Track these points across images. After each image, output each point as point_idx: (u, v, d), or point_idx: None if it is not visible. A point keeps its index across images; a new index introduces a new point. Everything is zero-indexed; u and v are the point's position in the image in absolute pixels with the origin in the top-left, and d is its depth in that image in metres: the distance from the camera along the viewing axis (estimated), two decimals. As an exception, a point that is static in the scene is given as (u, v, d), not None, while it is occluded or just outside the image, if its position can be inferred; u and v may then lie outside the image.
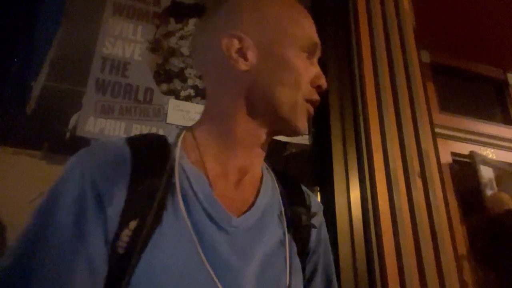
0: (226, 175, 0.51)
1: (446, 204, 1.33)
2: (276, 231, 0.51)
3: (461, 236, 1.79)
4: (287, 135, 0.56)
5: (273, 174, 0.59)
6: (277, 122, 0.53)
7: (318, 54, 0.59)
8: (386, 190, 1.27)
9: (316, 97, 0.55)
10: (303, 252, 0.54)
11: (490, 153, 2.16)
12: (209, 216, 0.46)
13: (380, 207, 1.23)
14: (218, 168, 0.51)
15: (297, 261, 0.51)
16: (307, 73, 0.55)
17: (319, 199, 1.33)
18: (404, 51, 1.54)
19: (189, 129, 0.56)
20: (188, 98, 1.31)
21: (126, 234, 0.42)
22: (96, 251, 0.41)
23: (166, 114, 1.26)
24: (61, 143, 1.12)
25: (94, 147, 0.49)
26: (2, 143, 1.07)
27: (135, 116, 1.22)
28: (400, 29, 1.58)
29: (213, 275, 0.42)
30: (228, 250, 0.44)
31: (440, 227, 1.26)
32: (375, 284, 1.13)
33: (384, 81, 1.45)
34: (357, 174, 1.31)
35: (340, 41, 1.53)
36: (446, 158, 1.94)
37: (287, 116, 0.52)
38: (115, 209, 0.43)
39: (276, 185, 0.57)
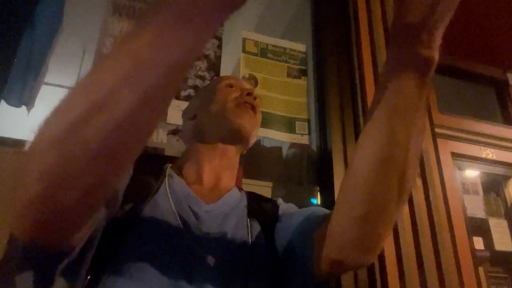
0: (200, 181, 0.69)
1: (446, 204, 1.33)
2: (240, 217, 0.67)
3: (461, 236, 1.79)
4: (238, 140, 0.73)
5: (244, 193, 0.75)
6: (220, 132, 0.73)
7: (239, 85, 0.80)
8: (386, 190, 1.26)
9: (246, 97, 0.74)
10: (269, 228, 0.68)
11: (490, 153, 2.16)
12: (186, 202, 0.63)
13: (380, 207, 1.23)
14: (194, 175, 0.71)
15: (259, 232, 0.66)
16: (230, 94, 0.76)
17: (319, 199, 1.33)
18: (404, 51, 1.53)
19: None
20: (188, 98, 1.31)
21: (124, 209, 0.57)
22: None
23: (166, 114, 1.26)
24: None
25: None
26: (2, 143, 1.07)
27: (135, 116, 1.22)
28: (400, 29, 1.57)
29: (189, 238, 0.56)
30: (199, 229, 0.60)
31: (440, 227, 1.26)
32: (375, 284, 1.13)
33: (384, 81, 1.45)
34: (357, 174, 1.31)
35: (340, 41, 1.53)
36: (446, 158, 1.94)
37: (223, 124, 0.72)
38: (122, 188, 0.59)
39: (245, 197, 0.73)
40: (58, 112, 0.32)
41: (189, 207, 0.63)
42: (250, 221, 0.67)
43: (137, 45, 0.31)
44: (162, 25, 0.30)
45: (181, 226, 0.59)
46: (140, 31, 0.31)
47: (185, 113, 0.85)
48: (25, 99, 1.39)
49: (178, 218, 0.59)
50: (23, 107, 1.43)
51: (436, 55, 0.41)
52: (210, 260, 0.56)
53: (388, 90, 0.42)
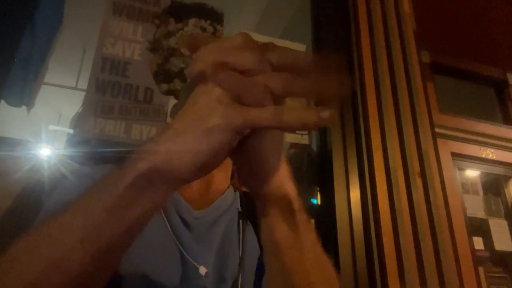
0: (190, 184, 0.64)
1: (446, 204, 1.33)
2: (231, 221, 0.65)
3: (461, 236, 1.79)
4: None
5: (238, 194, 0.73)
6: None
7: None
8: (386, 190, 1.27)
9: None
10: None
11: (490, 153, 2.16)
12: (175, 209, 0.61)
13: (380, 207, 1.23)
14: None
15: (253, 240, 0.63)
16: None
17: (319, 199, 1.34)
18: (404, 51, 1.54)
19: None
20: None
21: None
22: None
23: (166, 114, 1.26)
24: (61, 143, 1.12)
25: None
26: (2, 143, 1.07)
27: (135, 116, 1.23)
28: (400, 29, 1.58)
29: (179, 246, 0.56)
30: (189, 236, 0.59)
31: (440, 227, 1.26)
32: (375, 284, 1.13)
33: (384, 81, 1.45)
34: (357, 174, 1.31)
35: (340, 41, 1.53)
36: (446, 158, 1.94)
37: None
38: None
39: (238, 198, 0.71)
40: (12, 268, 0.32)
41: (178, 214, 0.61)
42: (242, 223, 0.66)
43: (94, 207, 0.32)
44: (119, 192, 0.31)
45: (172, 234, 0.58)
46: (98, 195, 0.32)
47: (173, 111, 0.81)
48: (25, 99, 1.39)
49: (168, 225, 0.59)
50: (23, 107, 1.43)
51: (288, 189, 0.42)
52: (202, 269, 0.56)
53: (267, 236, 0.43)
